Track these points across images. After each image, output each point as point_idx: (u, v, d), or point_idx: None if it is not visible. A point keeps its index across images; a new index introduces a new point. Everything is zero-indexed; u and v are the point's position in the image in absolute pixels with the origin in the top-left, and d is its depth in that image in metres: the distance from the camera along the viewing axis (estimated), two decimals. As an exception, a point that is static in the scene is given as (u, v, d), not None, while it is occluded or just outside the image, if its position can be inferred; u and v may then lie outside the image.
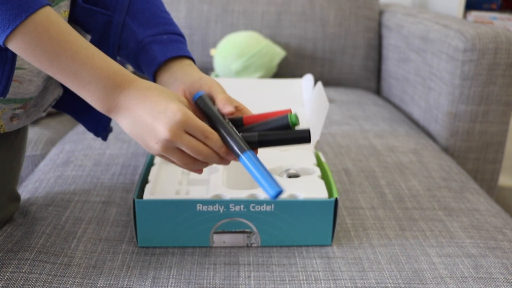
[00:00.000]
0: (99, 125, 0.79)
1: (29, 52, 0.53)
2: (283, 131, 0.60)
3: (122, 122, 0.57)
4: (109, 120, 0.79)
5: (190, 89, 0.64)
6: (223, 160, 0.59)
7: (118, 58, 0.73)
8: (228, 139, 0.58)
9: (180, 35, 0.70)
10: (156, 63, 0.67)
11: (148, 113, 0.55)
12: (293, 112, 0.62)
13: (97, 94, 0.55)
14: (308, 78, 1.02)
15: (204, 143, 0.57)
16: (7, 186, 0.74)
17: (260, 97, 1.02)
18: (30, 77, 0.67)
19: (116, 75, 0.56)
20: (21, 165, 0.80)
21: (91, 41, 0.70)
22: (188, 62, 0.68)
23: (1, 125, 0.69)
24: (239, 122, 0.63)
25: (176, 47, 0.68)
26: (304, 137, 0.59)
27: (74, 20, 0.71)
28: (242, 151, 0.57)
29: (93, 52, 0.55)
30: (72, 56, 0.54)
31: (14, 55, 0.60)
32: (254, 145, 0.59)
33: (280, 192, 0.54)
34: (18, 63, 0.64)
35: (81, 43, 0.55)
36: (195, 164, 0.58)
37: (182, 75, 0.66)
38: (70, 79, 0.54)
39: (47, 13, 0.53)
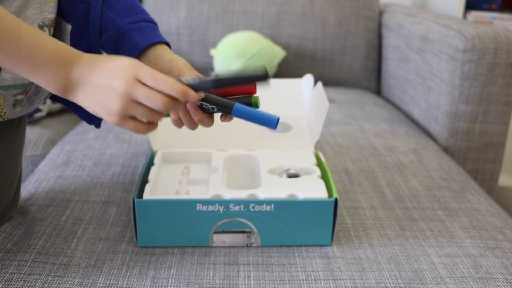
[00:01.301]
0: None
1: None
2: (240, 72, 0.60)
3: (79, 97, 0.57)
4: None
5: (162, 71, 0.65)
6: (183, 105, 0.60)
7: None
8: (214, 98, 0.60)
9: (155, 23, 0.73)
10: (138, 49, 0.68)
11: (101, 76, 0.56)
12: (257, 94, 0.64)
13: (50, 75, 0.56)
14: (308, 78, 1.02)
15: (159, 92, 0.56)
16: (19, 170, 0.77)
17: (260, 97, 1.02)
18: None
19: (66, 52, 0.56)
20: (22, 153, 0.81)
21: (72, 30, 0.71)
22: (165, 47, 0.70)
23: (5, 112, 0.69)
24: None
25: (154, 34, 0.70)
26: (260, 76, 0.59)
27: (58, 11, 0.71)
28: (232, 104, 0.59)
29: (38, 35, 0.55)
30: (19, 43, 0.53)
31: None
32: (211, 84, 0.60)
33: (278, 119, 0.59)
34: None
35: (25, 28, 0.55)
36: (156, 115, 0.58)
37: (156, 58, 0.68)
38: (20, 64, 0.54)
39: None
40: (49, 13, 0.68)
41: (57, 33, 0.74)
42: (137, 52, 0.69)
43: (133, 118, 0.58)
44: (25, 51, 0.54)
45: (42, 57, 0.55)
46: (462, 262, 0.69)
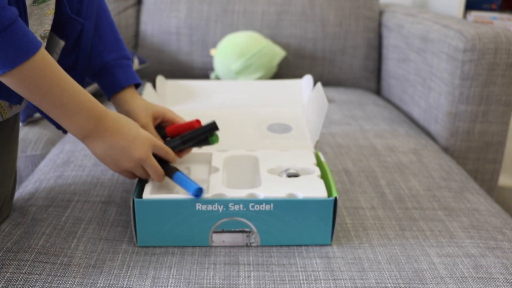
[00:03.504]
0: None
1: (24, 86, 0.60)
2: (196, 129, 0.78)
3: (97, 146, 0.68)
4: None
5: (154, 114, 0.81)
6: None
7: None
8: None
9: (131, 59, 0.85)
10: (119, 87, 0.81)
11: (124, 139, 0.69)
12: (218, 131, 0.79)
13: (80, 123, 0.66)
14: (308, 78, 1.02)
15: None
16: (15, 166, 0.81)
17: (260, 99, 1.03)
18: None
19: (95, 107, 0.67)
20: (17, 150, 0.85)
21: (65, 47, 0.78)
22: (133, 90, 0.83)
23: (6, 112, 0.72)
24: (163, 131, 0.81)
25: (132, 73, 0.83)
26: (213, 127, 0.77)
27: (52, 25, 0.76)
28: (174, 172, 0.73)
29: (78, 88, 0.65)
30: (61, 91, 0.62)
31: None
32: (179, 146, 0.78)
33: (198, 188, 0.68)
34: None
35: (69, 80, 0.64)
36: (148, 177, 0.74)
37: (127, 100, 0.82)
38: (57, 109, 0.63)
39: (43, 55, 0.60)
40: (48, 25, 0.71)
41: (48, 48, 0.78)
42: (118, 89, 0.81)
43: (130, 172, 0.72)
44: (67, 99, 0.63)
45: (79, 106, 0.65)
46: (462, 262, 0.69)
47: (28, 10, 0.65)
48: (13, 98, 0.68)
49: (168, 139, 0.80)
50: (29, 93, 0.61)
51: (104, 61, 0.81)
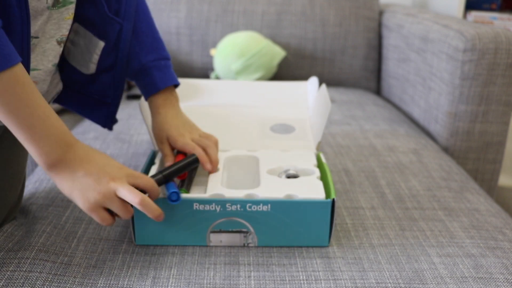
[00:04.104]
0: (107, 117, 0.86)
1: None
2: (178, 163, 0.73)
3: (63, 177, 0.61)
4: (115, 112, 0.85)
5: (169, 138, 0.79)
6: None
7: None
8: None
9: (169, 59, 0.84)
10: (156, 88, 0.80)
11: (94, 166, 0.62)
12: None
13: (45, 149, 0.60)
14: (313, 81, 1.02)
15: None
16: (24, 172, 0.81)
17: (265, 99, 1.03)
18: (44, 76, 0.71)
19: (66, 135, 0.61)
20: (27, 155, 0.84)
21: (105, 48, 0.78)
22: (173, 91, 0.83)
23: None
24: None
25: (171, 75, 0.82)
26: (194, 160, 0.74)
27: (90, 26, 0.76)
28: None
29: (50, 112, 0.60)
30: (31, 114, 0.58)
31: (28, 61, 0.64)
32: (161, 180, 0.70)
33: (172, 192, 0.66)
34: (32, 64, 0.67)
35: (41, 103, 0.59)
36: (125, 214, 0.64)
37: (158, 107, 0.81)
38: (24, 131, 0.58)
39: (17, 72, 0.56)
40: (66, 30, 0.71)
41: (86, 48, 0.78)
42: (155, 91, 0.80)
43: (105, 209, 0.63)
44: (36, 121, 0.58)
45: (48, 131, 0.59)
46: (462, 262, 0.69)
47: (47, 13, 0.65)
48: None
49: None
50: None
51: (142, 62, 0.80)
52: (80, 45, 0.78)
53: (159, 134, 0.80)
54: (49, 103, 0.81)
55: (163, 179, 0.70)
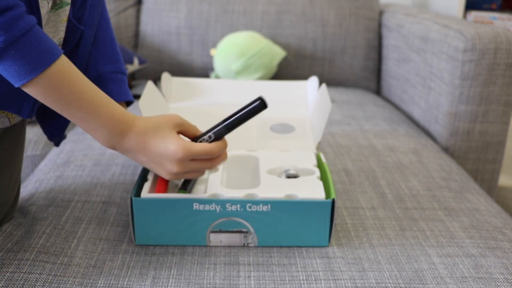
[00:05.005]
0: (57, 130, 0.82)
1: (42, 98, 0.58)
2: (240, 110, 0.68)
3: (129, 156, 0.66)
4: (64, 125, 0.82)
5: None
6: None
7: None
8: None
9: (126, 74, 0.83)
10: None
11: (152, 158, 0.64)
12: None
13: (103, 137, 0.63)
14: (313, 80, 1.02)
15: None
16: (20, 171, 0.80)
17: (265, 99, 1.03)
18: None
19: (119, 122, 0.63)
20: (23, 154, 0.84)
21: (64, 53, 0.75)
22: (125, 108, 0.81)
23: (13, 117, 0.72)
24: None
25: (126, 90, 0.80)
26: (258, 105, 0.67)
27: None
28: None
29: (101, 101, 0.62)
30: (81, 106, 0.60)
31: None
32: (224, 133, 0.68)
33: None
34: None
35: (90, 92, 0.61)
36: (207, 165, 0.67)
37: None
38: (78, 122, 0.61)
39: (61, 65, 0.58)
40: (63, 32, 0.71)
41: None
42: None
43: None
44: (87, 114, 0.60)
45: (99, 123, 0.61)
46: (462, 262, 0.69)
47: (46, 17, 0.65)
48: (24, 112, 0.67)
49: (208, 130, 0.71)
50: (49, 104, 0.59)
51: (99, 72, 0.79)
52: None
53: None
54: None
55: (227, 131, 0.68)
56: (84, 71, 0.79)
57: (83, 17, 0.75)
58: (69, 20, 0.72)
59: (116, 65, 0.81)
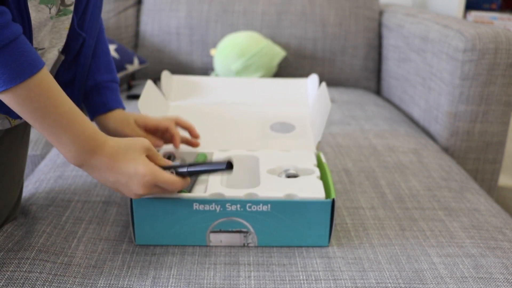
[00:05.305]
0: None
1: (18, 108, 0.58)
2: (205, 163, 0.69)
3: (94, 175, 0.65)
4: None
5: (128, 126, 0.81)
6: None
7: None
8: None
9: (118, 83, 0.85)
10: (107, 108, 0.81)
11: (119, 178, 0.64)
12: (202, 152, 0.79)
13: (72, 153, 0.62)
14: (314, 78, 1.02)
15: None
16: (23, 172, 0.80)
17: (266, 97, 1.03)
18: None
19: (90, 140, 0.62)
20: (27, 156, 0.84)
21: (64, 61, 0.76)
22: (122, 111, 0.83)
23: (14, 119, 0.71)
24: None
25: (120, 99, 0.84)
26: (224, 166, 0.67)
27: None
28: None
29: (74, 117, 0.61)
30: (55, 120, 0.59)
31: None
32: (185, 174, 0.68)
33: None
34: None
35: (65, 107, 0.60)
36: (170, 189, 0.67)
37: (122, 120, 0.82)
38: (49, 136, 0.61)
39: (41, 78, 0.57)
40: (65, 39, 0.71)
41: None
42: (106, 110, 0.81)
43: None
44: (60, 128, 0.60)
45: (72, 139, 0.61)
46: (462, 262, 0.69)
47: (50, 23, 0.65)
48: (12, 113, 0.67)
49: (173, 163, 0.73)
50: (23, 115, 0.58)
51: (97, 81, 0.81)
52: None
53: (126, 125, 0.80)
54: None
55: (188, 174, 0.68)
56: (85, 79, 0.80)
57: (84, 26, 0.75)
58: (71, 28, 0.72)
59: (112, 75, 0.83)
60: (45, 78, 0.58)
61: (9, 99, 0.56)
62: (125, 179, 0.63)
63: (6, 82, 0.54)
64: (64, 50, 0.75)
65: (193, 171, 0.67)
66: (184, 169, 0.67)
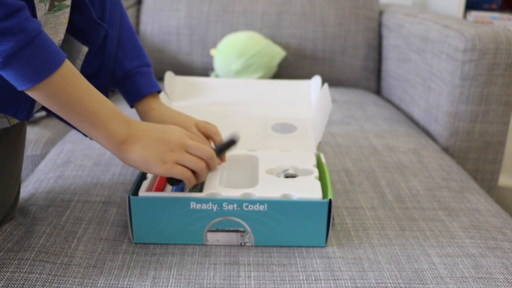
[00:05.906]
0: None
1: (53, 100, 0.59)
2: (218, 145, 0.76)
3: (135, 149, 0.65)
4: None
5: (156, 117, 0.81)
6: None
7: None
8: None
9: (151, 66, 0.85)
10: (141, 95, 0.81)
11: (156, 132, 0.67)
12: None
13: (114, 128, 0.63)
14: (317, 79, 1.02)
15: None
16: (20, 171, 0.80)
17: (268, 99, 1.03)
18: None
19: (122, 114, 0.65)
20: (24, 154, 0.84)
21: (88, 54, 0.77)
22: (157, 97, 0.83)
23: (13, 118, 0.71)
24: None
25: (154, 81, 0.83)
26: (234, 143, 0.75)
27: (73, 31, 0.75)
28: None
29: (102, 97, 0.64)
30: (91, 98, 0.61)
31: None
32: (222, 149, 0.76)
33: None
34: None
35: (92, 89, 0.62)
36: (200, 163, 0.69)
37: (154, 108, 0.82)
38: (90, 117, 0.61)
39: (67, 65, 0.59)
40: (62, 34, 0.71)
41: (69, 53, 0.78)
42: (140, 97, 0.81)
43: (181, 165, 0.67)
44: (97, 105, 0.62)
45: (110, 111, 0.63)
46: (462, 262, 0.69)
47: (44, 19, 0.65)
48: (20, 114, 0.67)
49: None
50: (58, 106, 0.59)
51: (125, 69, 0.80)
52: (63, 50, 0.77)
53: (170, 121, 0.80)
54: (38, 111, 0.81)
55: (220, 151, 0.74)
56: (112, 71, 0.80)
57: (105, 17, 0.75)
58: (93, 20, 0.73)
59: (140, 59, 0.82)
60: (69, 70, 0.60)
61: (42, 92, 0.57)
62: (159, 133, 0.66)
63: (39, 75, 0.56)
64: (85, 42, 0.76)
65: (215, 150, 0.73)
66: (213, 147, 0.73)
